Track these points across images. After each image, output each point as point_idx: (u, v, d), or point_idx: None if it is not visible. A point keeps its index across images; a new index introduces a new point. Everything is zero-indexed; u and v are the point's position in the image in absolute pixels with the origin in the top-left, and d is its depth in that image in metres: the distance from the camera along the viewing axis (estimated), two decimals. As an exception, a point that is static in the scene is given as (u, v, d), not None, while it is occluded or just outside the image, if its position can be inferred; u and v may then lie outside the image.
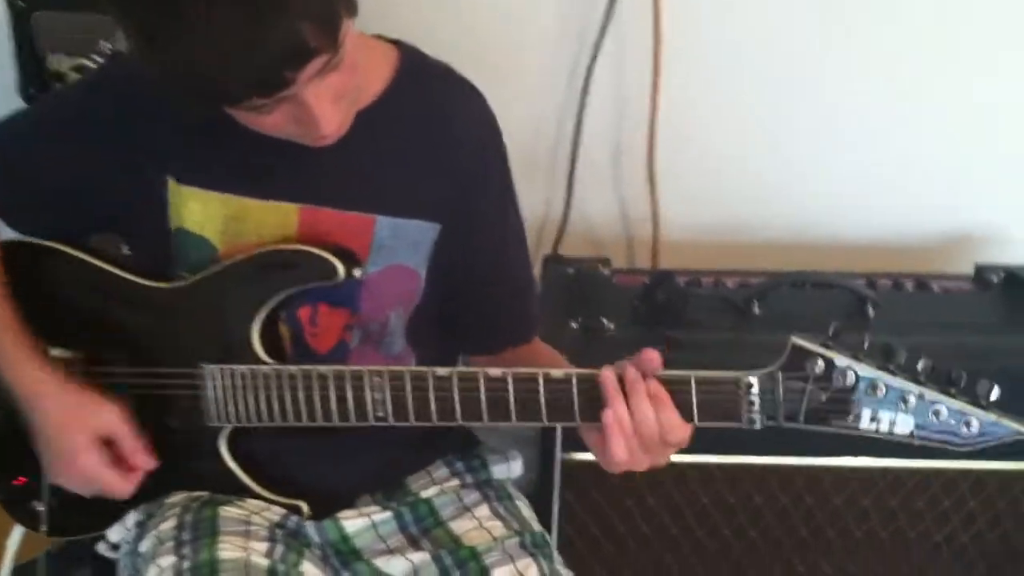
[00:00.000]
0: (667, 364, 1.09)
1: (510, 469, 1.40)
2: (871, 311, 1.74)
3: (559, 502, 1.71)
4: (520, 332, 1.37)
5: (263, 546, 1.22)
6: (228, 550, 1.19)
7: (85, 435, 1.21)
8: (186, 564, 1.18)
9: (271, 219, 1.21)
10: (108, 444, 1.23)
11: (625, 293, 1.78)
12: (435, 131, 1.24)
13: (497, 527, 1.31)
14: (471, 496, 1.36)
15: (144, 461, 1.24)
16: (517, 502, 1.37)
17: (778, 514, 1.74)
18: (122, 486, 1.24)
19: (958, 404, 1.00)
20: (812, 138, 1.98)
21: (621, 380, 1.08)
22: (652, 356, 1.08)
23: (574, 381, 1.11)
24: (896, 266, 1.91)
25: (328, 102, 1.06)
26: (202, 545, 1.20)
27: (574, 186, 2.00)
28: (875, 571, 1.79)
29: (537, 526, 1.34)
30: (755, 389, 1.05)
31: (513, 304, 1.36)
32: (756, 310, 1.74)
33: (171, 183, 1.22)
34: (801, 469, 1.70)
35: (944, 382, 1.01)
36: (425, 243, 1.26)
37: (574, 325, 1.70)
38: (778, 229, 2.03)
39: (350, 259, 1.20)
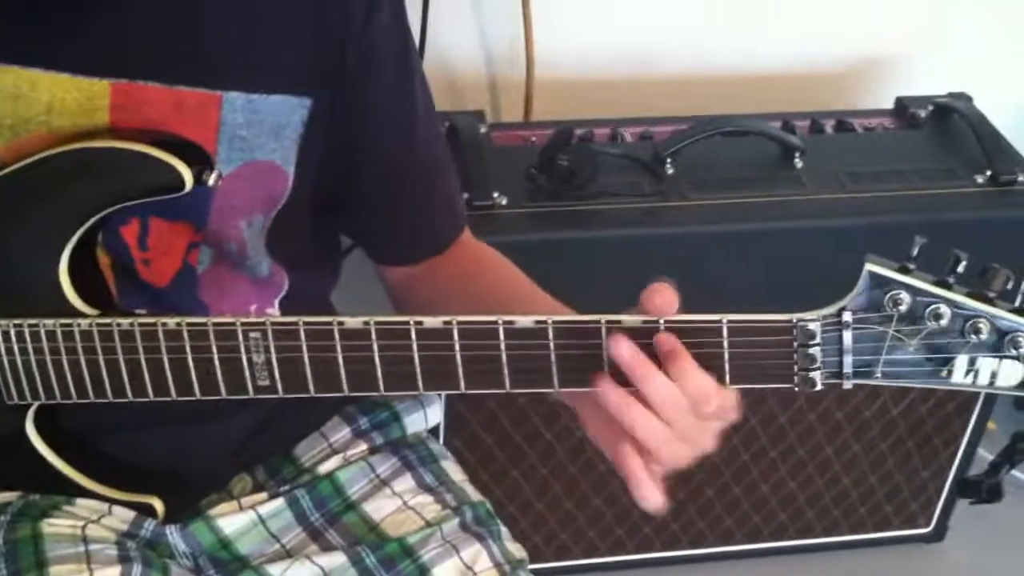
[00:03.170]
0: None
1: (427, 417, 1.10)
2: (798, 161, 1.52)
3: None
4: (444, 232, 1.05)
5: (113, 572, 0.91)
6: (64, 589, 0.87)
7: None
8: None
9: (71, 101, 0.85)
10: None
11: (513, 157, 1.49)
12: None
13: (428, 505, 1.02)
14: (386, 464, 1.05)
15: None
16: (443, 463, 1.08)
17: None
18: None
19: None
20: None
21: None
22: (665, 297, 0.77)
23: (550, 330, 0.79)
24: (807, 103, 1.67)
25: None
26: (24, 586, 0.88)
27: (428, 18, 1.62)
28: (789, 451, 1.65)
29: (475, 494, 1.06)
30: (817, 338, 0.77)
31: (430, 196, 1.04)
32: (669, 169, 1.48)
33: None
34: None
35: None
36: (291, 126, 0.91)
37: (457, 202, 1.38)
38: (671, 63, 1.74)
39: (199, 158, 0.84)
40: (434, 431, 1.15)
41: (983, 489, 1.72)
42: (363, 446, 1.06)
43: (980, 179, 1.52)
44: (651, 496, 0.78)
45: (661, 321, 0.78)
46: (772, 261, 1.45)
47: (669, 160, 1.48)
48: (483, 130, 1.53)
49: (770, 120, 1.58)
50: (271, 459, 1.05)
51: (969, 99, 1.65)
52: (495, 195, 1.40)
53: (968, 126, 1.59)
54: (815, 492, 1.71)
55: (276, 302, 0.99)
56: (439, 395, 1.12)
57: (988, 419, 1.69)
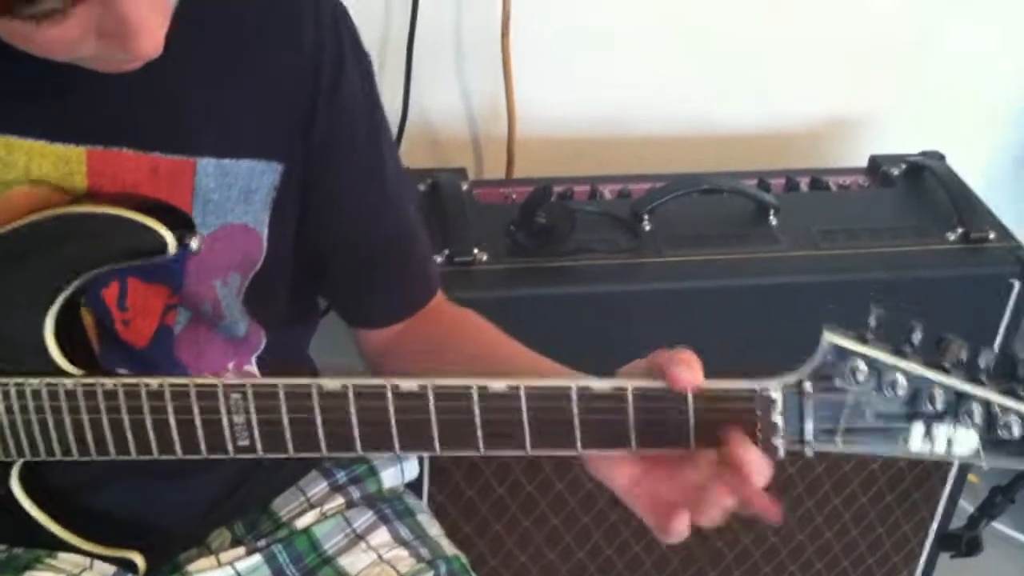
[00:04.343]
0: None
1: (404, 472, 1.12)
2: (773, 219, 1.54)
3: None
4: (418, 295, 1.07)
5: (93, 626, 0.91)
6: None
7: None
8: None
9: (47, 166, 0.86)
10: None
11: (493, 214, 1.50)
12: (260, 32, 0.91)
13: (402, 559, 1.03)
14: (362, 518, 1.06)
15: None
16: (419, 516, 1.09)
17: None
18: None
19: (1035, 412, 0.77)
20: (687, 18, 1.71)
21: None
22: (693, 371, 0.79)
23: (522, 395, 0.81)
24: (782, 161, 1.70)
25: (148, 4, 0.74)
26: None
27: (412, 79, 1.65)
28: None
29: (450, 548, 1.07)
30: (778, 406, 0.79)
31: (403, 259, 1.06)
32: (646, 226, 1.50)
33: None
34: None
35: (1010, 379, 0.78)
36: (262, 190, 0.93)
37: (438, 258, 1.41)
38: (651, 122, 1.77)
39: (180, 222, 0.86)
40: (415, 485, 1.16)
41: (963, 542, 1.73)
42: (340, 500, 1.07)
43: (952, 236, 1.54)
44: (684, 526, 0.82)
45: (629, 388, 0.80)
46: (747, 317, 1.46)
47: (646, 217, 1.49)
48: (465, 187, 1.55)
49: (745, 178, 1.60)
50: (249, 513, 1.06)
51: (941, 157, 1.68)
52: (476, 251, 1.41)
53: (940, 184, 1.61)
54: (797, 545, 1.72)
55: (253, 359, 1.01)
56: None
57: (968, 473, 1.69)
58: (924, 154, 1.68)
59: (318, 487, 1.08)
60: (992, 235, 1.55)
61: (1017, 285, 1.52)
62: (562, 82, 1.72)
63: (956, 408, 0.77)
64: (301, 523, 1.05)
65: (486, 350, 1.02)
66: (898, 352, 0.78)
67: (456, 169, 1.60)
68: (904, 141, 1.73)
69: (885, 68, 1.82)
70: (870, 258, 1.49)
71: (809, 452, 0.79)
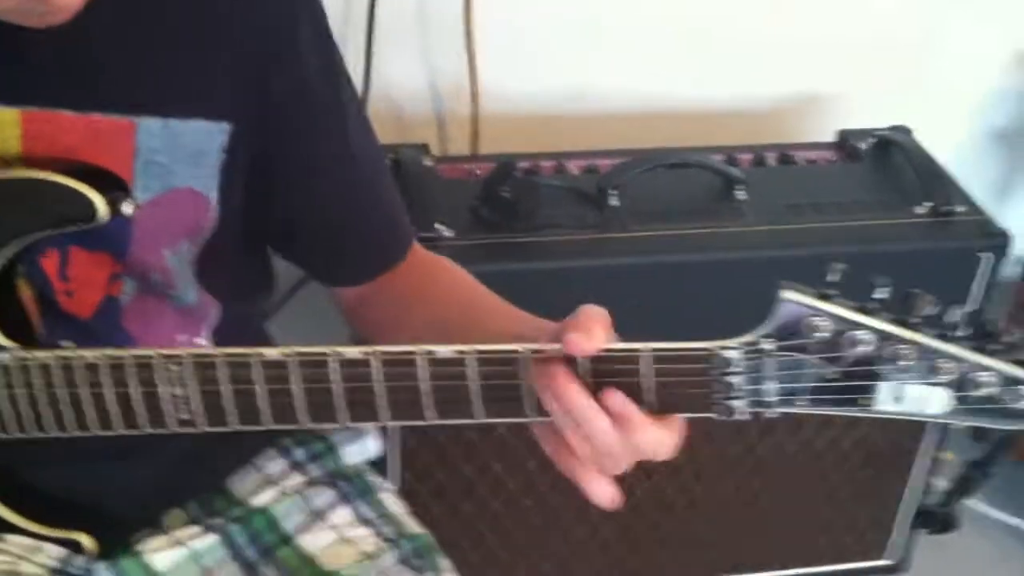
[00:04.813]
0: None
1: (364, 448, 1.09)
2: (740, 193, 1.52)
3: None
4: (392, 248, 1.03)
5: (42, 610, 0.88)
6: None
7: None
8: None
9: None
10: None
11: (457, 189, 1.49)
12: None
13: (365, 537, 1.00)
14: (322, 496, 1.03)
15: None
16: (381, 494, 1.06)
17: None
18: None
19: (1008, 369, 0.75)
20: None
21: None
22: (597, 320, 0.77)
23: (474, 362, 0.79)
24: (750, 137, 1.68)
25: None
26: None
27: (373, 52, 1.62)
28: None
29: (415, 526, 1.04)
30: (735, 367, 0.77)
31: (374, 211, 1.02)
32: (613, 201, 1.48)
33: None
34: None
35: (980, 336, 0.76)
36: (211, 152, 0.89)
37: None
38: (617, 98, 1.75)
39: (114, 187, 0.83)
40: (380, 465, 1.14)
41: (938, 519, 1.73)
42: (299, 478, 1.04)
43: (919, 210, 1.53)
44: (606, 492, 0.78)
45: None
46: (714, 292, 1.45)
47: (612, 192, 1.48)
48: (428, 163, 1.53)
49: (713, 154, 1.59)
50: (204, 493, 1.03)
51: (908, 132, 1.67)
52: (438, 227, 1.39)
53: (907, 158, 1.61)
54: (772, 524, 1.71)
55: (205, 333, 0.98)
56: (376, 426, 1.11)
57: (941, 449, 1.69)
58: (892, 128, 1.68)
59: (276, 465, 1.05)
60: (960, 209, 1.54)
61: (983, 258, 1.51)
62: (527, 58, 1.70)
63: (926, 365, 0.75)
64: (258, 502, 1.02)
65: (455, 310, 0.98)
66: (861, 309, 0.76)
67: (419, 145, 1.58)
68: (873, 117, 1.71)
69: (855, 42, 1.80)
70: (838, 232, 1.48)
71: (771, 413, 0.77)
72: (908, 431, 1.64)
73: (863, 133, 1.67)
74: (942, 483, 1.76)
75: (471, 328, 0.90)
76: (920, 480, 1.71)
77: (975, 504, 1.88)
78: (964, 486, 1.76)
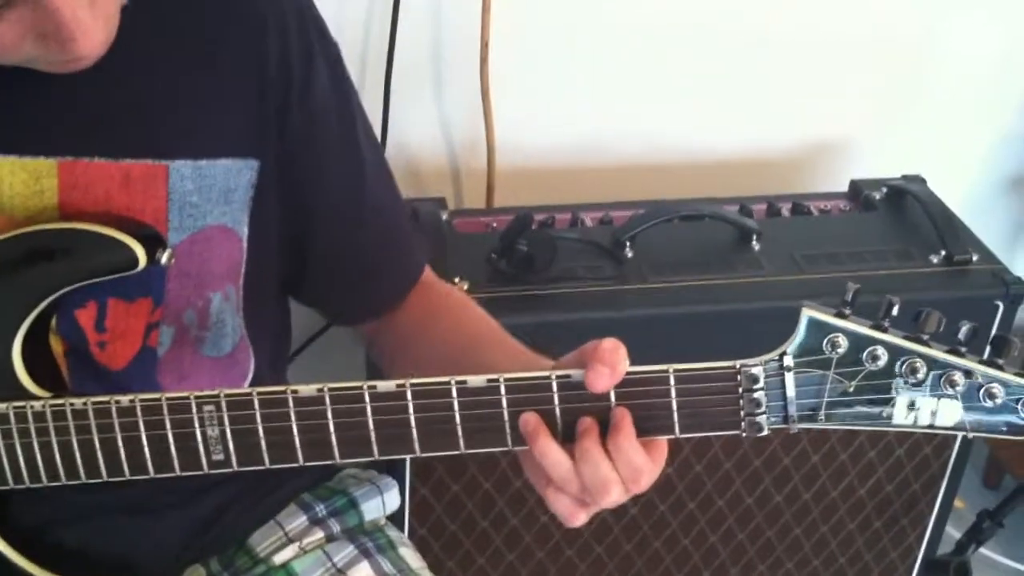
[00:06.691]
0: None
1: (385, 504, 1.08)
2: (755, 244, 1.53)
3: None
4: (401, 283, 1.05)
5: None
6: None
7: None
8: None
9: (18, 183, 0.85)
10: None
11: (474, 243, 1.50)
12: (223, 26, 0.90)
13: None
14: (343, 552, 1.03)
15: None
16: (401, 550, 1.05)
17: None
18: None
19: (1020, 381, 0.76)
20: (665, 47, 1.71)
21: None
22: (613, 353, 0.78)
23: (502, 387, 0.79)
24: (763, 187, 1.70)
25: (81, 3, 0.74)
26: None
27: (390, 107, 1.64)
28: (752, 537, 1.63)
29: (432, 580, 1.04)
30: (760, 383, 0.78)
31: (386, 248, 1.04)
32: (628, 252, 1.49)
33: None
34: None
35: (992, 352, 0.78)
36: (240, 188, 0.92)
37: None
38: (632, 150, 1.77)
39: (150, 237, 0.85)
40: (395, 518, 1.13)
41: (951, 569, 1.70)
42: (320, 534, 1.03)
43: (935, 259, 1.54)
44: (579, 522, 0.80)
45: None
46: (730, 342, 1.44)
47: (628, 244, 1.49)
48: (444, 217, 1.54)
49: (727, 204, 1.61)
50: (226, 550, 1.02)
51: (923, 181, 1.68)
52: (456, 280, 1.40)
53: (922, 208, 1.61)
54: (785, 574, 1.69)
55: (243, 384, 0.98)
56: (396, 481, 1.11)
57: (954, 498, 1.67)
58: (905, 178, 1.69)
59: (297, 521, 1.05)
60: (975, 257, 1.54)
61: (1001, 306, 1.51)
62: (542, 111, 1.72)
63: (938, 378, 0.77)
64: (279, 558, 1.01)
65: (470, 332, 1.00)
66: (877, 327, 0.78)
67: (435, 199, 1.59)
68: (886, 165, 1.73)
69: (867, 91, 1.82)
70: (854, 281, 1.48)
71: (793, 429, 0.78)
72: (920, 480, 1.63)
73: (876, 183, 1.68)
74: (955, 532, 1.74)
75: (468, 364, 0.91)
76: (933, 529, 1.69)
77: (988, 554, 1.86)
78: (975, 535, 1.74)
